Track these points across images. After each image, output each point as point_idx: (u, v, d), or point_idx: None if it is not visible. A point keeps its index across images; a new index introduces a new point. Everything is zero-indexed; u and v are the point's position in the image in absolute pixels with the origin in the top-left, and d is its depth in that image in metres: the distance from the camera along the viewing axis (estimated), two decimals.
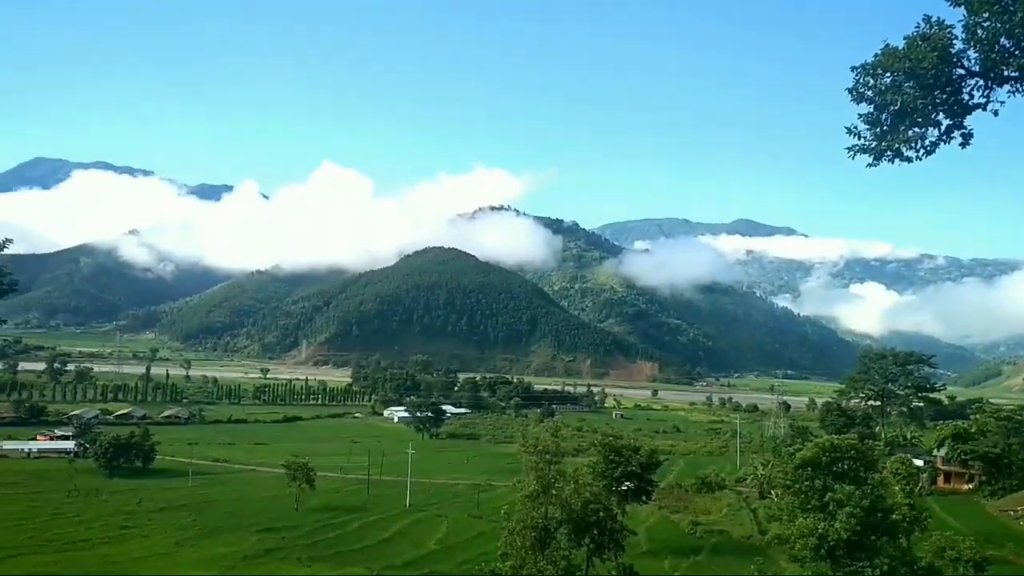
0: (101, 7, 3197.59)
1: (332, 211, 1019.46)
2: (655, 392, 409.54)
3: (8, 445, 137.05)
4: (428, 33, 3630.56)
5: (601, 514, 55.69)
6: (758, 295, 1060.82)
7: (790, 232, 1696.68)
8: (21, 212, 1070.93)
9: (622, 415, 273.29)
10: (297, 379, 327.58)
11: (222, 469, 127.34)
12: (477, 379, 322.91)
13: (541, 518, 48.86)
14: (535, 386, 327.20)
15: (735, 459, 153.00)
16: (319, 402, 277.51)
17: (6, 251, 32.14)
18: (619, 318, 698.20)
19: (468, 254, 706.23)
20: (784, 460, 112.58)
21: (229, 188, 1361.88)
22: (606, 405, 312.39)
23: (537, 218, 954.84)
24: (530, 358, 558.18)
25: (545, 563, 46.79)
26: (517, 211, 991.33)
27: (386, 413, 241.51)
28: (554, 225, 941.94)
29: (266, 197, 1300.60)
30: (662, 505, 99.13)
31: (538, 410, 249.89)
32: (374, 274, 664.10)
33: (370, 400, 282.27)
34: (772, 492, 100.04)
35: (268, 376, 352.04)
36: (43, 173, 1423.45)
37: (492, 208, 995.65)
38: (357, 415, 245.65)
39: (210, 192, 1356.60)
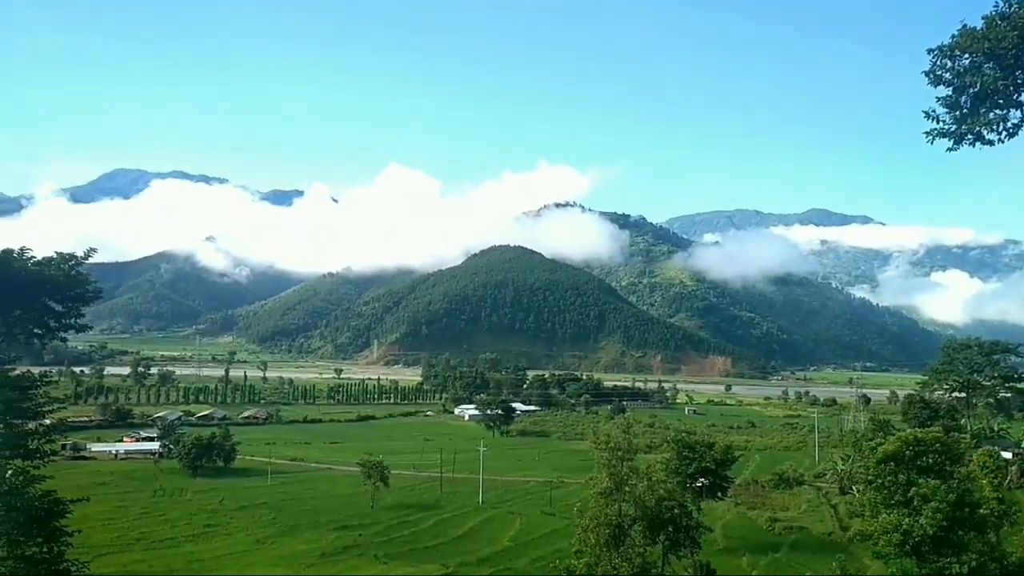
0: (173, 25, 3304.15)
1: (399, 212, 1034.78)
2: (728, 387, 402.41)
3: (96, 447, 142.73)
4: (490, 32, 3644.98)
5: (676, 511, 55.18)
6: (834, 286, 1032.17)
7: (866, 221, 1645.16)
8: (103, 222, 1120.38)
9: (694, 411, 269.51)
10: (369, 379, 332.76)
11: (299, 468, 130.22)
12: (546, 376, 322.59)
13: (615, 515, 48.65)
14: (605, 383, 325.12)
15: (813, 454, 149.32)
16: (391, 401, 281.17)
17: (91, 260, 33.30)
18: (689, 312, 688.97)
19: (534, 252, 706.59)
20: (865, 455, 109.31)
21: (300, 193, 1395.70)
22: (678, 401, 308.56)
23: (603, 213, 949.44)
24: (599, 355, 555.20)
25: (620, 560, 46.57)
26: (583, 207, 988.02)
27: (457, 411, 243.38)
28: (620, 220, 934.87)
29: (335, 201, 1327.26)
30: (738, 502, 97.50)
31: (608, 407, 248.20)
32: (442, 274, 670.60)
33: (441, 398, 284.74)
34: (853, 487, 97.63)
35: (341, 376, 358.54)
36: (123, 183, 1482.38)
37: (557, 205, 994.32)
38: (428, 413, 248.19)
39: (282, 197, 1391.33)
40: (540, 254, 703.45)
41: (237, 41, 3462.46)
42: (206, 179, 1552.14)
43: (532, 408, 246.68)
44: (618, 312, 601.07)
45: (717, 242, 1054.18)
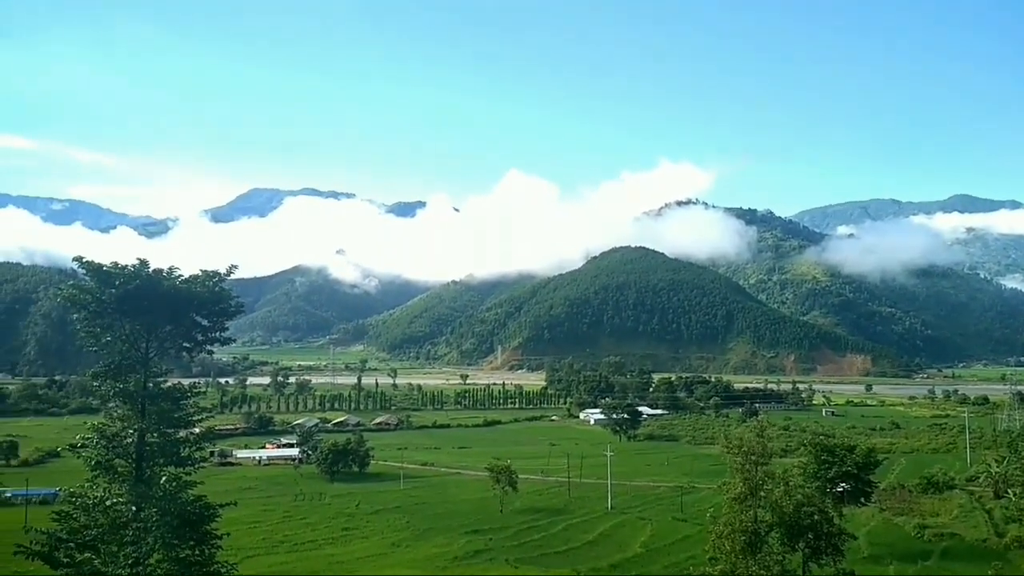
0: (300, 50, 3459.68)
1: (519, 218, 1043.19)
2: (868, 387, 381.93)
3: (242, 454, 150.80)
4: (603, 34, 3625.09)
5: (815, 517, 52.88)
6: (982, 276, 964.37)
7: (1016, 205, 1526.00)
8: (242, 240, 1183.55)
9: (832, 412, 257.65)
10: (494, 384, 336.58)
11: (430, 472, 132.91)
12: (672, 379, 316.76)
13: (750, 521, 46.99)
14: (735, 385, 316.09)
15: (964, 456, 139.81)
16: (516, 406, 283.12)
17: (232, 276, 34.87)
18: (824, 309, 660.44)
19: (656, 252, 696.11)
20: (1022, 456, 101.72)
21: (422, 204, 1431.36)
22: (814, 402, 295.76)
23: (728, 209, 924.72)
24: (728, 356, 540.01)
25: (757, 568, 44.92)
26: (706, 204, 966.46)
27: (582, 415, 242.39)
28: (747, 215, 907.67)
29: (456, 210, 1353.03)
30: (884, 507, 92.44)
31: (740, 409, 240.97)
32: (562, 278, 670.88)
33: (565, 403, 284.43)
34: (1009, 491, 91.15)
35: (467, 381, 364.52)
36: (259, 203, 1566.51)
37: (679, 203, 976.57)
38: (554, 418, 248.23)
39: (405, 209, 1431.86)
40: (662, 254, 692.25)
41: (359, 63, 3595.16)
42: (335, 195, 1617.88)
43: (659, 412, 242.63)
44: (747, 311, 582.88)
45: (852, 234, 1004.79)
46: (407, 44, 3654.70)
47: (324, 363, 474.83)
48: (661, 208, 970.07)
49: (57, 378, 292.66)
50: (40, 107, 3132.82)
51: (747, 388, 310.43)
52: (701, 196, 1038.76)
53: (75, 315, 34.07)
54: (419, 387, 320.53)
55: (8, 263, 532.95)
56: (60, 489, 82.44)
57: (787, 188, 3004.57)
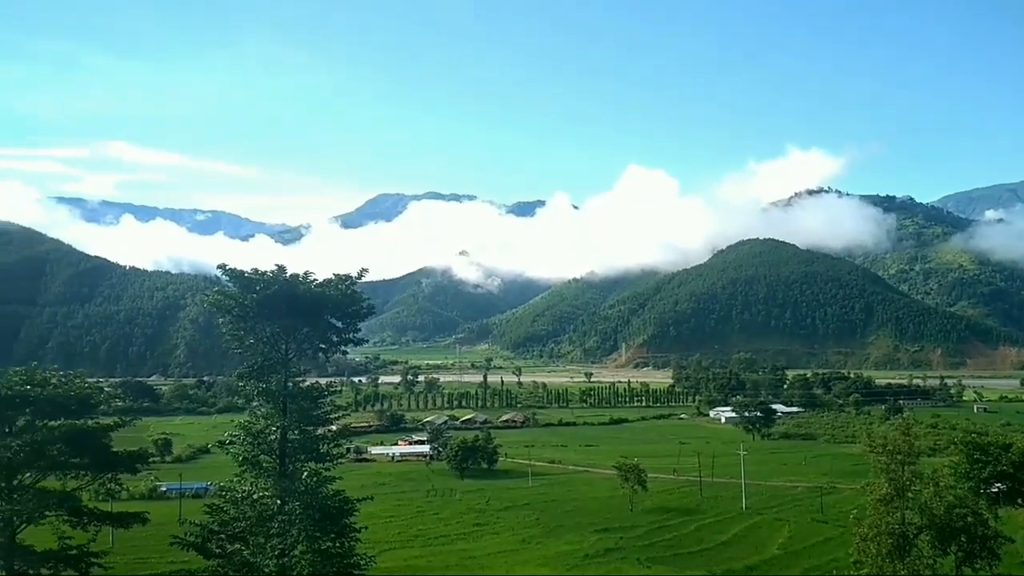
0: (419, 59, 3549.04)
1: (641, 213, 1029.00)
2: None
3: (376, 450, 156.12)
4: (728, 18, 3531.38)
5: (969, 519, 49.53)
6: None
7: None
8: (371, 243, 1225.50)
9: (985, 409, 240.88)
10: (619, 381, 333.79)
11: (557, 470, 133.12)
12: (808, 376, 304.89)
13: (897, 523, 44.71)
14: (875, 380, 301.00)
15: None
16: (643, 404, 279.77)
17: (363, 279, 36.03)
18: (973, 300, 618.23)
19: (786, 243, 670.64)
20: None
21: (542, 203, 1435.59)
22: (964, 398, 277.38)
23: (863, 197, 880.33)
24: (867, 350, 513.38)
25: (906, 571, 42.64)
26: (839, 192, 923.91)
27: (712, 414, 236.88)
28: (884, 203, 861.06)
29: (576, 207, 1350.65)
30: None
31: (882, 406, 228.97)
32: (687, 273, 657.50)
33: (694, 400, 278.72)
34: None
35: (592, 379, 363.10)
36: (385, 208, 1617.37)
37: (809, 192, 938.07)
38: (682, 416, 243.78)
39: (525, 209, 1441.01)
40: (793, 245, 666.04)
41: (478, 69, 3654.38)
42: (457, 197, 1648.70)
43: (794, 409, 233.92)
44: (887, 303, 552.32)
45: (1001, 219, 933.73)
46: (522, 47, 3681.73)
47: (451, 362, 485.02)
48: (790, 198, 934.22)
49: (205, 379, 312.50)
50: (183, 124, 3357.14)
51: (889, 384, 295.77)
52: (833, 184, 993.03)
53: (220, 319, 36.06)
54: (544, 385, 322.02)
55: (158, 272, 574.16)
56: (211, 483, 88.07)
57: (927, 172, 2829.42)
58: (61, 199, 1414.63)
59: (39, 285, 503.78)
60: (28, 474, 32.68)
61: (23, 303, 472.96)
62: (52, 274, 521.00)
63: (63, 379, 34.88)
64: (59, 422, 33.64)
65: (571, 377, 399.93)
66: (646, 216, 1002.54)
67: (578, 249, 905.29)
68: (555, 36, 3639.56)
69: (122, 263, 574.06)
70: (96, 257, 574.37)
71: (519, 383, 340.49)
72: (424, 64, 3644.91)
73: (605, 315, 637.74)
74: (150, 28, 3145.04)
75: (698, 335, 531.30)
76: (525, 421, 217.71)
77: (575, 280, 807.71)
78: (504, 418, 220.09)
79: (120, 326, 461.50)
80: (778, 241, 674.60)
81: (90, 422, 35.45)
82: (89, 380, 40.42)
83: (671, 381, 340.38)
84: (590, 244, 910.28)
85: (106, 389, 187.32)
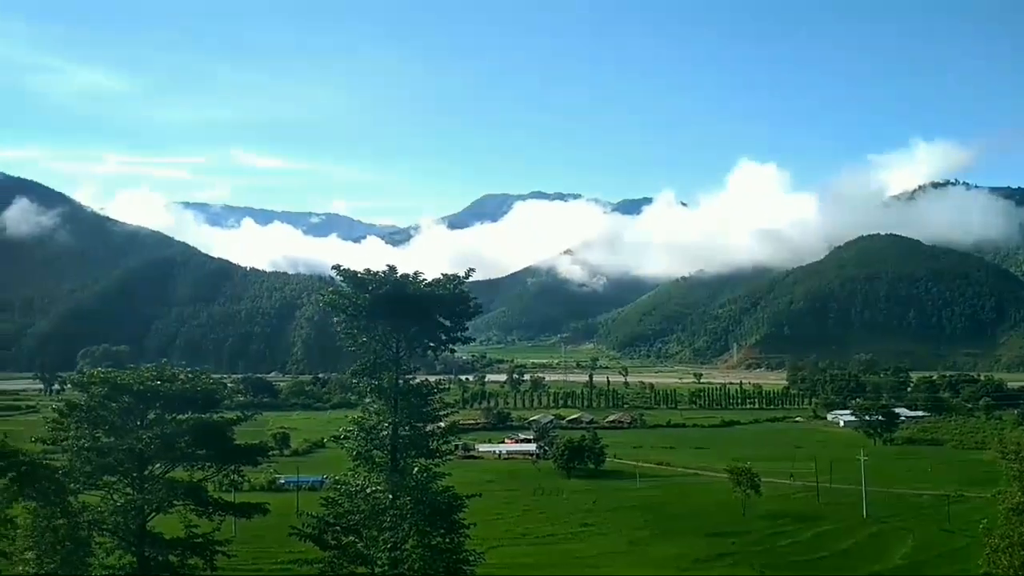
0: (523, 60, 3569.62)
1: (752, 209, 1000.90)
2: None
3: (483, 448, 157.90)
4: (848, 6, 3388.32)
5: None
6: None
7: None
8: (477, 243, 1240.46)
9: None
10: (731, 383, 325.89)
11: (666, 472, 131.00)
12: (934, 378, 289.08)
13: None
14: (1008, 383, 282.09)
15: None
16: (755, 406, 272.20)
17: (470, 279, 36.32)
18: None
19: (909, 239, 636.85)
20: None
21: (649, 200, 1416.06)
22: None
23: (993, 189, 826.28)
24: (998, 351, 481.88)
25: None
26: (967, 184, 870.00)
27: (830, 417, 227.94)
28: (1016, 195, 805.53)
29: (684, 204, 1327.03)
30: None
31: (1015, 411, 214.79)
32: (802, 270, 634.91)
33: (810, 403, 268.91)
34: None
35: (701, 380, 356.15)
36: (491, 208, 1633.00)
37: (934, 185, 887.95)
38: (798, 419, 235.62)
39: (631, 207, 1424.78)
40: (917, 241, 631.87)
41: (582, 67, 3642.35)
42: (561, 196, 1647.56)
43: (919, 414, 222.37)
44: (1021, 302, 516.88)
45: None
46: (625, 47, 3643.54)
47: (556, 361, 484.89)
48: (914, 191, 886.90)
49: (320, 376, 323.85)
50: (299, 130, 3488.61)
51: None
52: (961, 176, 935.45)
53: (335, 318, 37.17)
54: (651, 385, 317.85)
55: (276, 272, 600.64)
56: (326, 477, 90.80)
57: None
58: (187, 204, 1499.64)
59: (167, 286, 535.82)
60: (158, 465, 34.48)
61: (153, 303, 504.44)
62: (179, 276, 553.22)
63: (190, 375, 36.65)
64: (186, 416, 35.30)
65: (679, 378, 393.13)
66: (757, 212, 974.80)
67: (686, 247, 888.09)
68: (660, 32, 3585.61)
69: (243, 265, 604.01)
70: (219, 259, 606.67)
71: (626, 383, 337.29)
72: (531, 66, 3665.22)
73: (715, 314, 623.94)
74: (268, 39, 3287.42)
75: (814, 335, 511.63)
76: (632, 422, 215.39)
77: (683, 278, 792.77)
78: (611, 418, 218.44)
79: (241, 325, 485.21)
80: (901, 237, 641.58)
81: (215, 416, 37.06)
82: (213, 376, 42.43)
83: (785, 383, 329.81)
84: (699, 241, 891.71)
85: (229, 385, 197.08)
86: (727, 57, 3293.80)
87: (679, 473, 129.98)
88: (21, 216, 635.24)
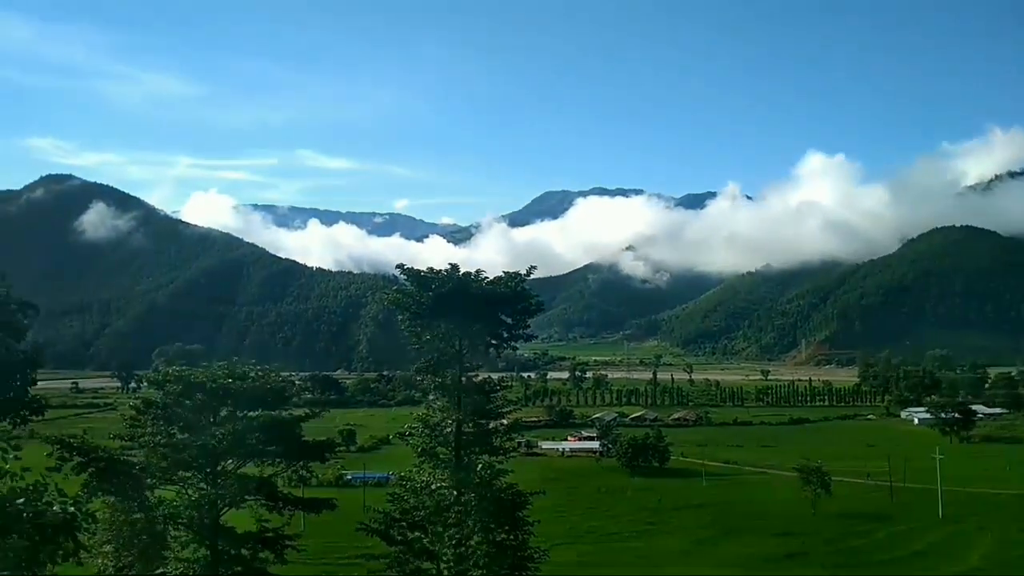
0: (580, 55, 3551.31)
1: (820, 201, 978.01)
2: None
3: (546, 445, 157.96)
4: None
5: None
6: None
7: None
8: (539, 241, 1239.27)
9: None
10: (799, 380, 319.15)
11: (733, 470, 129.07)
12: (1012, 374, 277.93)
13: None
14: None
15: None
16: (825, 403, 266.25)
17: (531, 276, 36.36)
18: None
19: (987, 231, 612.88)
20: None
21: (712, 195, 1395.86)
22: None
23: None
24: None
25: None
26: None
27: (903, 414, 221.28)
28: None
29: (749, 198, 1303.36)
30: None
31: None
32: (874, 264, 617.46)
33: (882, 400, 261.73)
34: None
35: (769, 377, 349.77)
36: (551, 204, 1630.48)
37: (1011, 174, 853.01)
38: (869, 417, 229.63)
39: (694, 201, 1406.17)
40: (995, 233, 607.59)
41: (643, 63, 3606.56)
42: (623, 192, 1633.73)
43: (997, 411, 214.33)
44: None
45: None
46: (688, 44, 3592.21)
47: (619, 358, 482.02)
48: (990, 181, 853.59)
49: (385, 373, 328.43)
50: (362, 131, 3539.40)
51: None
52: None
53: (399, 316, 37.60)
54: (717, 383, 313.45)
55: (342, 272, 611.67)
56: (391, 473, 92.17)
57: None
58: (255, 206, 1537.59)
59: (237, 286, 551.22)
60: (230, 461, 35.33)
61: (224, 303, 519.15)
62: (248, 275, 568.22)
63: (260, 373, 37.46)
64: (257, 413, 36.11)
65: (746, 375, 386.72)
66: (827, 204, 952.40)
67: (752, 241, 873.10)
68: (722, 22, 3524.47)
69: (309, 264, 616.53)
70: (286, 259, 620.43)
71: (690, 380, 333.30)
72: (591, 61, 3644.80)
73: (782, 310, 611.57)
74: (331, 43, 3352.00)
75: (886, 331, 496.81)
76: (698, 419, 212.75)
77: (749, 273, 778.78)
78: (675, 416, 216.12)
79: (308, 323, 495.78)
80: (977, 228, 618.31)
81: (284, 413, 37.83)
82: (283, 374, 43.28)
83: (857, 380, 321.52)
84: (765, 235, 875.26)
85: (297, 382, 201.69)
86: (792, 46, 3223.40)
87: (746, 472, 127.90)
88: (99, 220, 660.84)
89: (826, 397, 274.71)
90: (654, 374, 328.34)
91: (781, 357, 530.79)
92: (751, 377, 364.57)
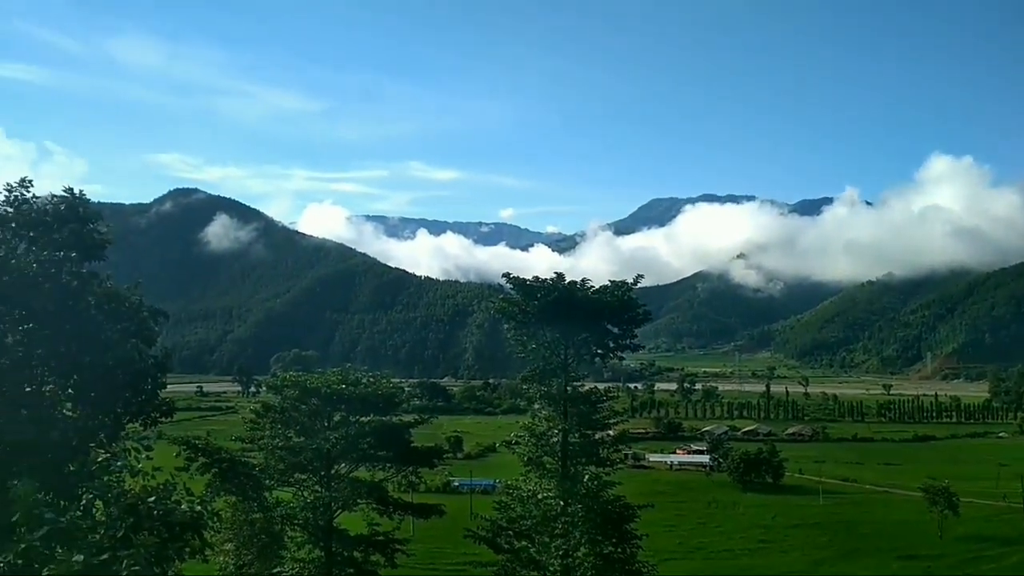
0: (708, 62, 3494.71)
1: (946, 207, 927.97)
2: None
3: (654, 458, 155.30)
4: None
5: None
6: None
7: None
8: (645, 249, 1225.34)
9: None
10: (924, 395, 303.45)
11: (852, 489, 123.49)
12: None
13: None
14: None
15: None
16: (952, 420, 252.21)
17: (638, 285, 35.93)
18: None
19: None
20: None
21: (829, 200, 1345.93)
22: None
23: None
24: None
25: None
26: None
27: None
28: None
29: (869, 203, 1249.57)
30: None
31: None
32: (1006, 273, 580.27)
33: (1015, 417, 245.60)
34: None
35: (891, 392, 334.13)
36: (658, 212, 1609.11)
37: None
38: (1002, 434, 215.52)
39: (810, 207, 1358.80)
40: None
41: (766, 73, 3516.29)
42: (734, 199, 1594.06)
43: None
44: None
45: None
46: (802, 45, 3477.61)
47: (730, 370, 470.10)
48: None
49: (491, 381, 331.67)
50: (468, 142, 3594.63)
51: None
52: None
53: (505, 325, 37.86)
54: (834, 396, 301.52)
55: (449, 281, 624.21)
56: (498, 481, 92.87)
57: None
58: (367, 217, 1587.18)
59: (350, 294, 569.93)
60: (343, 464, 36.43)
61: (337, 310, 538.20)
62: (360, 285, 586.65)
63: (371, 379, 38.46)
64: (368, 418, 37.08)
65: (866, 389, 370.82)
66: (953, 209, 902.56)
67: (872, 248, 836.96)
68: (837, 23, 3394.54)
69: (418, 274, 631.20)
70: (396, 269, 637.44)
71: (806, 394, 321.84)
72: (699, 65, 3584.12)
73: (906, 321, 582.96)
74: (437, 56, 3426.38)
75: (1019, 343, 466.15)
76: (814, 435, 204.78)
77: (869, 282, 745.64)
78: (790, 431, 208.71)
79: (417, 331, 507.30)
80: None
81: (394, 419, 38.69)
82: (393, 380, 44.26)
83: (987, 395, 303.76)
84: (886, 243, 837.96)
85: (406, 389, 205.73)
86: (914, 42, 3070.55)
87: (867, 490, 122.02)
88: (222, 231, 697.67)
89: (954, 413, 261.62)
90: (767, 386, 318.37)
91: (904, 371, 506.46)
92: (872, 391, 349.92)
